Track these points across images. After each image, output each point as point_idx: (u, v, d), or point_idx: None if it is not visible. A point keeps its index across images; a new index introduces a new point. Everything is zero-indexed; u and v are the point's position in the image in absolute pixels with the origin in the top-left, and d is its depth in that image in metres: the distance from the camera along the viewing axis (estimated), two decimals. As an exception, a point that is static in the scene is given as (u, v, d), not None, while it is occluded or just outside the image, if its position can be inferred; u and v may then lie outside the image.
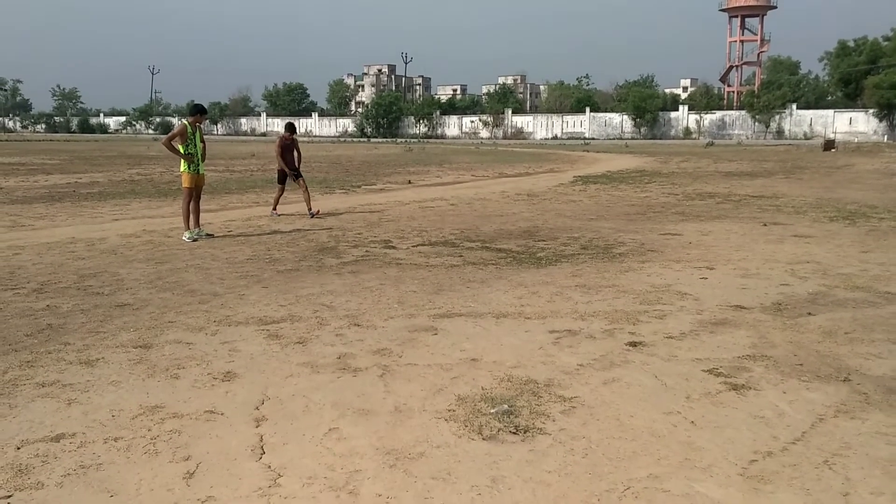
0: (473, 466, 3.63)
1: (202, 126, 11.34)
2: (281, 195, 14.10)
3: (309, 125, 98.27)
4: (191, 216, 11.00)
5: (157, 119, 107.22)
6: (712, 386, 4.75)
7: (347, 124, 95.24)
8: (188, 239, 10.67)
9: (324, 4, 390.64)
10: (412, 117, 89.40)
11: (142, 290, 7.53)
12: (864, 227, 11.98)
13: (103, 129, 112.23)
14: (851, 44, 69.84)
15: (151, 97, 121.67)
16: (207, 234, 11.10)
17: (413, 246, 10.30)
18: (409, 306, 6.82)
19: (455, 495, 3.35)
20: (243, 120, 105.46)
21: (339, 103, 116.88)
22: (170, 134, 11.41)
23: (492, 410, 4.29)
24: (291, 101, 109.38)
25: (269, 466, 3.62)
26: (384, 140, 75.59)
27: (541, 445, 3.87)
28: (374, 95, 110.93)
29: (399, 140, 74.48)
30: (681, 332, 5.98)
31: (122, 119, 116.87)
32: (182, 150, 10.94)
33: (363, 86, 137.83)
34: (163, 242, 10.58)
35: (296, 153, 13.97)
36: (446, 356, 5.36)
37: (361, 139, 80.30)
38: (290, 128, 14.04)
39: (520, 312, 6.62)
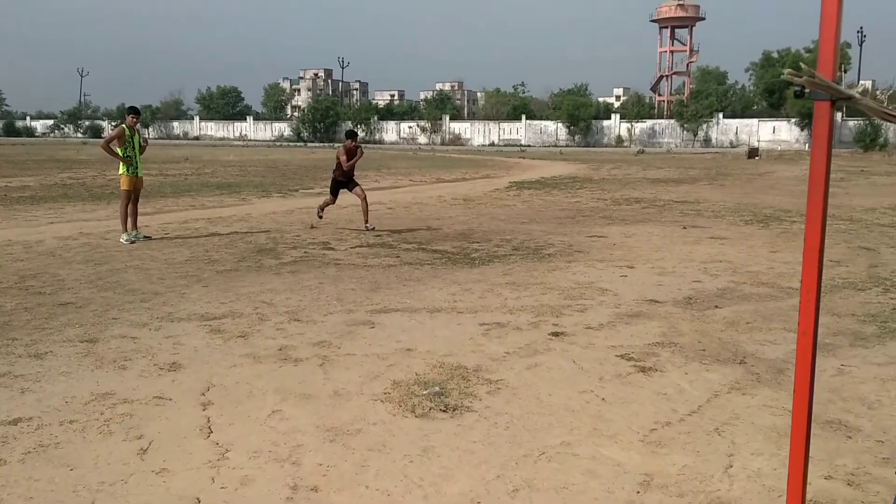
0: (406, 439, 4.01)
1: (138, 128, 11.42)
2: (329, 204, 13.00)
3: (244, 129, 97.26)
4: (128, 219, 11.09)
5: (87, 122, 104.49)
6: (623, 369, 5.24)
7: (283, 128, 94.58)
8: (126, 241, 10.77)
9: (259, 7, 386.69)
10: (350, 122, 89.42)
11: (83, 289, 7.68)
12: (776, 230, 12.79)
13: (30, 132, 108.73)
14: (776, 55, 72.78)
15: (80, 100, 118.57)
16: (145, 237, 11.21)
17: (351, 247, 10.64)
18: (347, 303, 7.17)
19: (389, 463, 3.72)
20: (175, 123, 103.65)
21: (275, 107, 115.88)
22: (108, 137, 11.49)
23: (424, 392, 4.68)
24: (225, 105, 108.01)
25: (218, 443, 3.93)
26: (321, 145, 75.36)
27: (468, 421, 4.27)
28: (310, 100, 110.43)
29: (336, 145, 74.32)
30: (599, 324, 6.48)
31: (50, 122, 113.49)
32: (120, 153, 11.03)
33: (299, 90, 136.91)
34: (100, 245, 10.66)
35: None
36: (383, 347, 5.73)
37: (298, 144, 79.90)
38: (352, 135, 12.70)
39: (453, 307, 7.03)
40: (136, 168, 11.20)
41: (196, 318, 6.55)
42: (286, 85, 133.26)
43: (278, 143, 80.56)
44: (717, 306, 7.14)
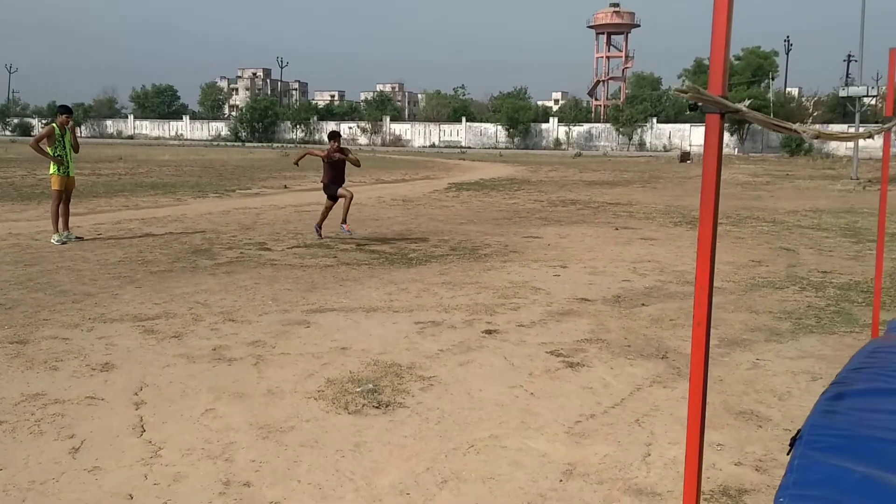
0: (339, 435, 4.10)
1: (70, 127, 11.18)
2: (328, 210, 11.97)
3: (180, 128, 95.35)
4: (59, 219, 10.87)
5: (15, 120, 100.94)
6: (552, 364, 5.43)
7: (221, 128, 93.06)
8: (57, 242, 10.56)
9: (195, 4, 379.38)
10: (289, 122, 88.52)
11: (12, 290, 7.53)
12: (703, 231, 13.22)
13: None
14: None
15: (9, 97, 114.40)
16: (77, 237, 11.00)
17: (288, 248, 10.64)
18: (283, 303, 7.20)
19: (321, 458, 3.81)
20: (109, 122, 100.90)
21: (212, 106, 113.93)
22: (37, 136, 11.24)
23: (357, 389, 4.78)
24: (161, 104, 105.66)
25: (150, 441, 3.96)
26: (260, 145, 74.43)
27: (400, 416, 4.39)
28: (248, 99, 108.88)
29: (275, 145, 73.52)
30: (531, 322, 6.67)
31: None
32: (51, 152, 10.81)
33: (237, 89, 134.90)
34: (30, 245, 10.43)
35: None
36: (318, 346, 5.80)
37: (236, 143, 78.74)
38: (335, 136, 12.02)
39: (389, 307, 7.14)
40: (68, 168, 10.98)
41: (129, 318, 6.51)
42: (224, 84, 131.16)
43: (215, 143, 79.20)
44: (643, 304, 7.41)
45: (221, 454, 3.83)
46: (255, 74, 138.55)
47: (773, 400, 4.77)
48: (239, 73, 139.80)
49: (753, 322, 6.75)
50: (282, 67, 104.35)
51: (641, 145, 74.63)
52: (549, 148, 76.45)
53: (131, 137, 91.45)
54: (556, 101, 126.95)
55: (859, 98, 29.75)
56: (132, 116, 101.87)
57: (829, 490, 2.01)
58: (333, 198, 11.77)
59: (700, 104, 1.88)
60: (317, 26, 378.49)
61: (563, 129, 78.90)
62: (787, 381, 5.17)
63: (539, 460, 3.83)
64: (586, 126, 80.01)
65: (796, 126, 2.22)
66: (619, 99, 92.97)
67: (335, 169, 11.78)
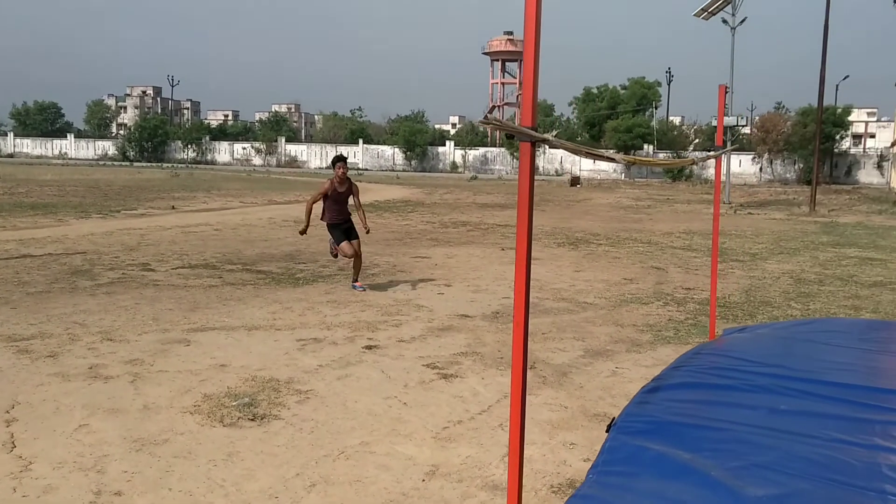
0: (213, 447, 4.22)
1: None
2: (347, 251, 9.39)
3: (64, 147, 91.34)
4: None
5: None
6: (427, 376, 5.69)
7: (108, 147, 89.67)
8: (-77, 263, 10.09)
9: (81, 19, 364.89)
10: (180, 142, 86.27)
11: None
12: (583, 251, 13.89)
13: None
14: (595, 90, 77.73)
15: None
16: (-54, 258, 10.54)
17: (172, 268, 10.54)
18: (163, 322, 7.20)
19: (194, 468, 3.93)
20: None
21: (99, 125, 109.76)
22: None
23: (233, 403, 4.90)
24: (43, 121, 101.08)
25: (21, 456, 3.97)
26: (149, 164, 72.19)
27: (274, 428, 4.54)
28: (137, 118, 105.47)
29: (165, 165, 71.49)
30: (411, 337, 6.93)
31: None
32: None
33: (126, 107, 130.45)
34: None
35: (353, 200, 9.51)
36: (197, 363, 5.87)
37: (124, 163, 76.10)
38: (341, 160, 9.27)
39: (271, 325, 7.25)
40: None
41: (2, 339, 6.38)
42: (111, 102, 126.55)
43: (102, 163, 76.29)
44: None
45: (93, 466, 3.89)
46: (144, 92, 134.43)
47: (625, 403, 5.17)
48: (128, 91, 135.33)
49: (618, 334, 7.24)
50: (173, 86, 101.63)
51: (535, 170, 76.69)
52: (446, 171, 77.47)
53: (11, 156, 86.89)
54: (453, 125, 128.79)
55: (731, 127, 31.67)
56: (12, 134, 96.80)
57: (629, 466, 2.34)
58: (343, 237, 9.37)
59: (515, 136, 2.18)
60: (210, 45, 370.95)
61: (459, 152, 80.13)
62: (640, 386, 5.60)
63: (405, 463, 4.08)
64: (482, 150, 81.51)
65: (609, 153, 2.57)
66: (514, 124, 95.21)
67: (338, 203, 9.36)
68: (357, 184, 9.66)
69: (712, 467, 2.21)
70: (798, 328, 4.41)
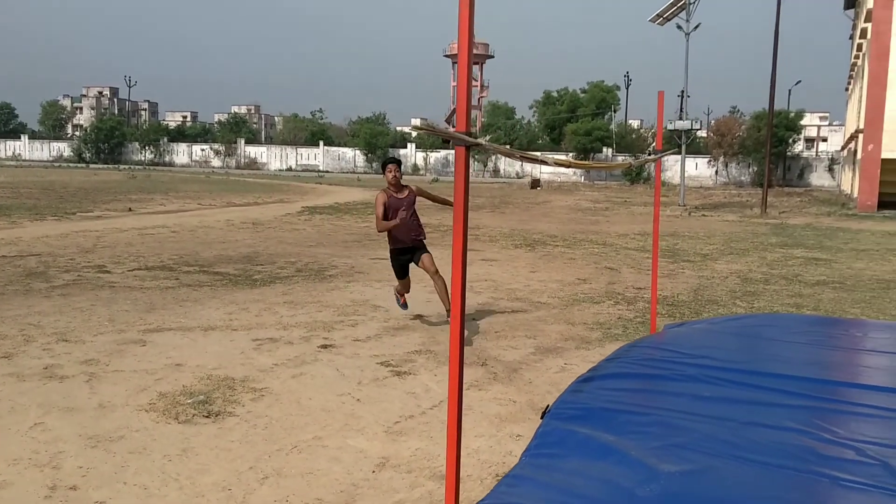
0: (167, 442, 4.31)
1: None
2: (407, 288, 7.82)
3: (18, 148, 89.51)
4: None
5: None
6: (381, 374, 5.83)
7: (64, 148, 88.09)
8: None
9: (35, 18, 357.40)
10: (137, 143, 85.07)
11: None
12: (540, 253, 14.14)
13: None
14: (555, 94, 78.52)
15: None
16: None
17: (129, 270, 10.52)
18: (119, 323, 7.23)
19: (149, 462, 4.02)
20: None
21: (54, 126, 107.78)
22: None
23: (189, 401, 4.99)
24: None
25: (-26, 455, 4.02)
26: (105, 166, 71.06)
27: (229, 424, 4.65)
28: (94, 119, 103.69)
29: (122, 167, 70.45)
30: (367, 336, 7.06)
31: None
32: None
33: (82, 108, 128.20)
34: None
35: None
36: (152, 363, 5.93)
37: (80, 165, 74.81)
38: (393, 161, 7.50)
39: (228, 325, 7.32)
40: None
41: (-47, 341, 6.36)
42: (67, 103, 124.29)
43: (57, 164, 74.92)
44: (474, 318, 7.97)
45: (49, 462, 3.96)
46: (101, 93, 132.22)
47: (572, 398, 5.38)
48: (84, 92, 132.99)
49: (568, 332, 7.45)
50: (130, 87, 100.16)
51: (496, 172, 77.14)
52: (408, 173, 77.57)
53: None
54: (415, 128, 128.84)
55: (685, 131, 32.34)
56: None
57: (559, 449, 2.51)
58: (405, 269, 7.63)
59: (451, 141, 2.34)
60: (168, 45, 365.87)
61: (421, 154, 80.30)
62: (587, 381, 5.81)
63: (356, 456, 4.21)
64: (443, 152, 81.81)
65: (540, 155, 2.74)
66: (476, 127, 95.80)
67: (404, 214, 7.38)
68: (413, 186, 7.63)
69: (633, 448, 2.39)
70: (731, 323, 4.64)
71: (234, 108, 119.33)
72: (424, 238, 7.69)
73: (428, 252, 7.62)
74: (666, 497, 2.09)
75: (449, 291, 6.94)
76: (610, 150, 65.23)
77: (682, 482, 2.18)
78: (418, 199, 7.64)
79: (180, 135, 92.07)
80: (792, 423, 2.61)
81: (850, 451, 2.52)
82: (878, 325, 5.92)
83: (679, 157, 37.23)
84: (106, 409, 4.81)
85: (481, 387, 5.58)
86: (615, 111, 71.60)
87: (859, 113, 32.34)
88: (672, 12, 31.72)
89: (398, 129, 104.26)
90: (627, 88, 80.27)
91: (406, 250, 7.57)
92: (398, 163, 7.57)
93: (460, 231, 2.47)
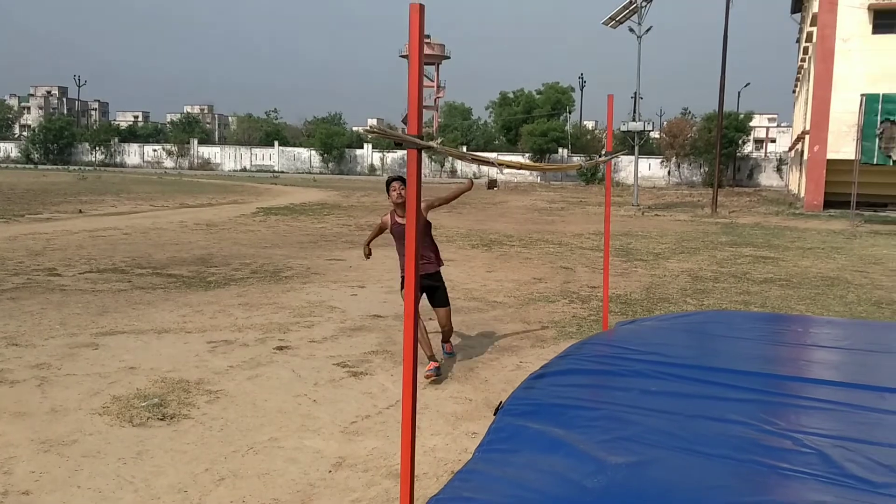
0: (122, 446, 4.29)
1: None
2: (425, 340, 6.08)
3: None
4: None
5: None
6: (337, 374, 5.85)
7: (10, 149, 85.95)
8: None
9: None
10: (87, 144, 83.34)
11: None
12: (496, 252, 14.25)
13: None
14: (511, 95, 79.00)
15: None
16: None
17: (80, 273, 10.34)
18: (71, 326, 7.12)
19: (103, 466, 3.99)
20: None
21: (1, 126, 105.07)
22: None
23: (143, 404, 4.95)
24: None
25: (-79, 462, 3.95)
26: (54, 167, 69.51)
27: (184, 426, 4.63)
28: (42, 119, 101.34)
29: (72, 167, 68.95)
30: (323, 337, 7.07)
31: None
32: None
33: (29, 108, 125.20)
34: None
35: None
36: (105, 366, 5.86)
37: (27, 166, 73.03)
38: (397, 180, 6.25)
39: (182, 328, 7.26)
40: None
41: None
42: (14, 102, 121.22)
43: (4, 165, 73.04)
44: (430, 318, 8.01)
45: (0, 468, 3.90)
46: (49, 93, 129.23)
47: (526, 395, 5.47)
48: (31, 91, 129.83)
49: (524, 331, 7.55)
50: (79, 86, 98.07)
51: (453, 172, 77.28)
52: (364, 173, 77.33)
53: None
54: (371, 128, 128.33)
55: (638, 132, 32.84)
56: None
57: (511, 444, 2.58)
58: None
59: (403, 143, 2.39)
60: (118, 44, 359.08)
61: (377, 155, 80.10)
62: (542, 379, 5.91)
63: (312, 456, 4.24)
64: (400, 153, 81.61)
65: (491, 158, 2.81)
66: (432, 127, 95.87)
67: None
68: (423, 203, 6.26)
69: (582, 442, 2.47)
70: (680, 320, 4.78)
71: (187, 108, 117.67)
72: (440, 266, 6.48)
73: (445, 295, 6.40)
74: (612, 487, 2.18)
75: (450, 332, 6.57)
76: (565, 150, 65.83)
77: (627, 473, 2.27)
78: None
79: (132, 135, 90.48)
80: (736, 416, 2.72)
81: (789, 442, 2.64)
82: (822, 322, 6.13)
83: (633, 157, 37.80)
84: (58, 413, 4.76)
85: (438, 385, 5.64)
86: (570, 112, 72.36)
87: (806, 114, 33.22)
88: (624, 15, 32.17)
89: (354, 129, 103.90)
90: (582, 90, 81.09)
91: (422, 281, 6.20)
92: (403, 181, 6.15)
93: (413, 231, 2.52)
